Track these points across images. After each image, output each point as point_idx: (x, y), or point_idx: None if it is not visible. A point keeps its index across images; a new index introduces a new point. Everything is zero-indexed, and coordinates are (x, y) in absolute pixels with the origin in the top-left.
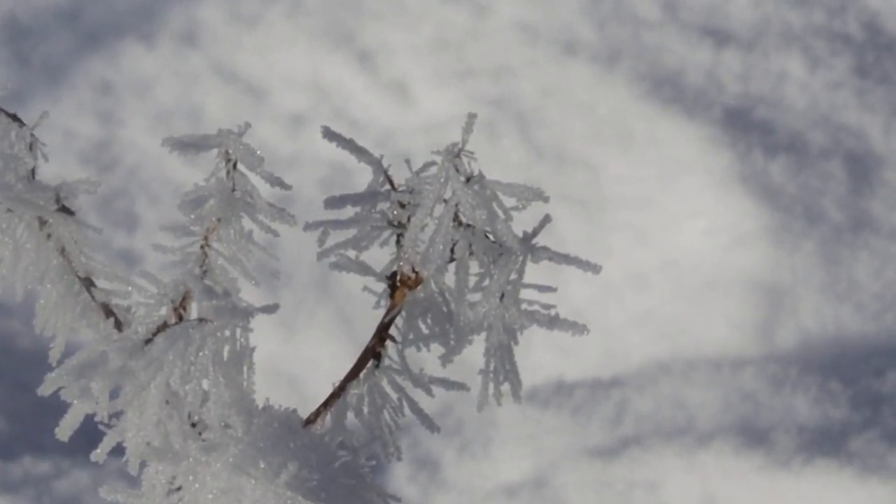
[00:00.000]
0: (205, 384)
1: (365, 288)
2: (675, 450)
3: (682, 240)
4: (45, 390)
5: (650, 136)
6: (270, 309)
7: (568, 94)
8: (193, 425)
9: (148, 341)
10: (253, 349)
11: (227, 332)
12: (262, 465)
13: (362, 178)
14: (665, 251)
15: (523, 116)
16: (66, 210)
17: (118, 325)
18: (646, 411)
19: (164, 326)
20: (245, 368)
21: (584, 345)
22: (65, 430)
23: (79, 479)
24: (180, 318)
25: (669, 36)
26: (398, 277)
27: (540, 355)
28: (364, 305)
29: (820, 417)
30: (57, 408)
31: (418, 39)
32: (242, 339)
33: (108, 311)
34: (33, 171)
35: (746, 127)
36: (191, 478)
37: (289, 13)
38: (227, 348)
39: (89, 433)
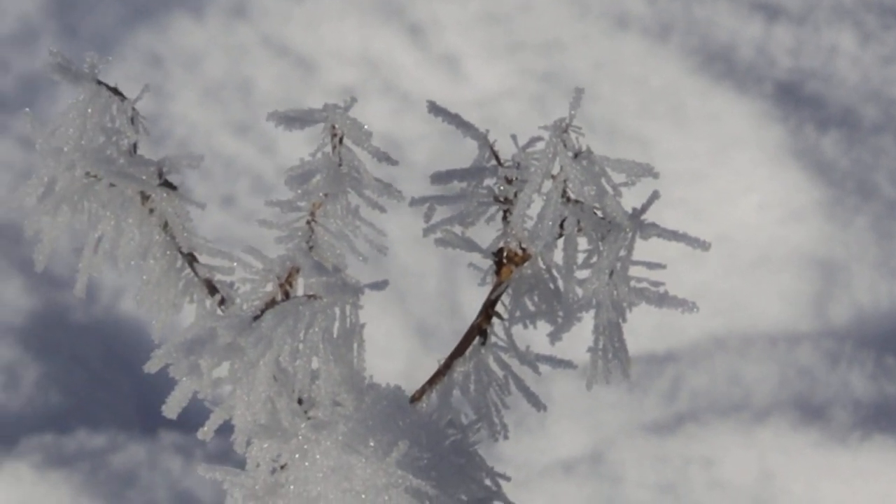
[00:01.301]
0: (314, 361)
1: (470, 264)
2: (732, 425)
3: (735, 215)
4: (151, 367)
5: (702, 110)
6: (380, 285)
7: (619, 68)
8: (300, 402)
9: (256, 318)
10: (363, 326)
11: (337, 309)
12: (371, 444)
13: (414, 151)
14: (719, 226)
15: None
16: (168, 185)
17: (221, 302)
18: (701, 387)
19: (272, 303)
20: (355, 345)
21: (640, 319)
22: (173, 407)
23: (134, 454)
24: (286, 295)
25: (721, 10)
26: (505, 254)
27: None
28: (417, 280)
29: (876, 393)
30: (110, 382)
31: (469, 13)
32: (352, 316)
33: (210, 288)
34: (135, 146)
35: (798, 101)
36: (298, 456)
37: None
38: (336, 325)
39: (144, 408)
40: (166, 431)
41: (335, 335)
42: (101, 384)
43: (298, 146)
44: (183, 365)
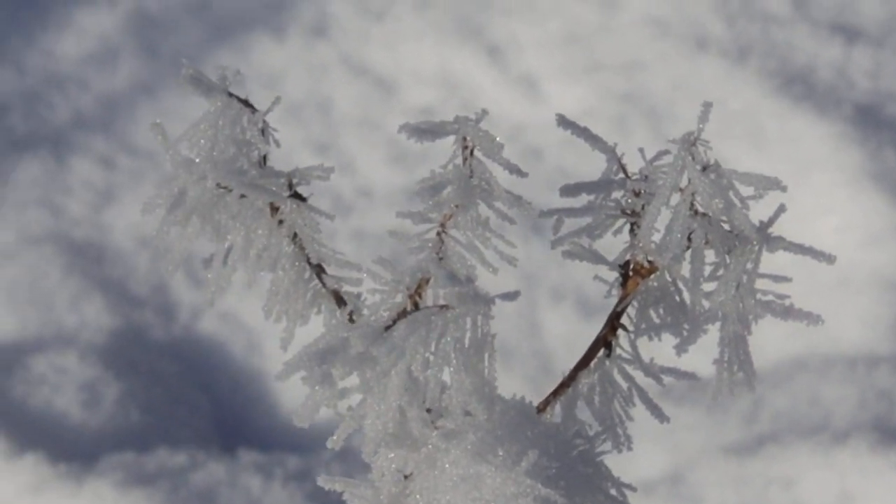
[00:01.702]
0: (446, 371)
1: (596, 276)
2: (811, 447)
3: (814, 237)
4: (282, 376)
5: (781, 132)
6: (511, 296)
7: (698, 89)
8: (429, 412)
9: (388, 328)
10: (494, 336)
11: (469, 319)
12: (500, 453)
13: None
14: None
15: (654, 111)
16: (298, 196)
17: (348, 313)
18: (781, 408)
19: (403, 313)
20: (486, 355)
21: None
22: (304, 416)
23: (214, 472)
24: (415, 306)
25: (799, 32)
26: (631, 266)
27: (673, 352)
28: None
29: None
30: (189, 401)
31: (547, 34)
32: (484, 326)
33: (338, 299)
34: (265, 158)
35: (877, 124)
36: (427, 465)
37: (417, 7)
38: (468, 335)
39: (223, 427)
40: (245, 450)
41: (467, 345)
42: (180, 403)
43: (376, 165)
44: (315, 374)
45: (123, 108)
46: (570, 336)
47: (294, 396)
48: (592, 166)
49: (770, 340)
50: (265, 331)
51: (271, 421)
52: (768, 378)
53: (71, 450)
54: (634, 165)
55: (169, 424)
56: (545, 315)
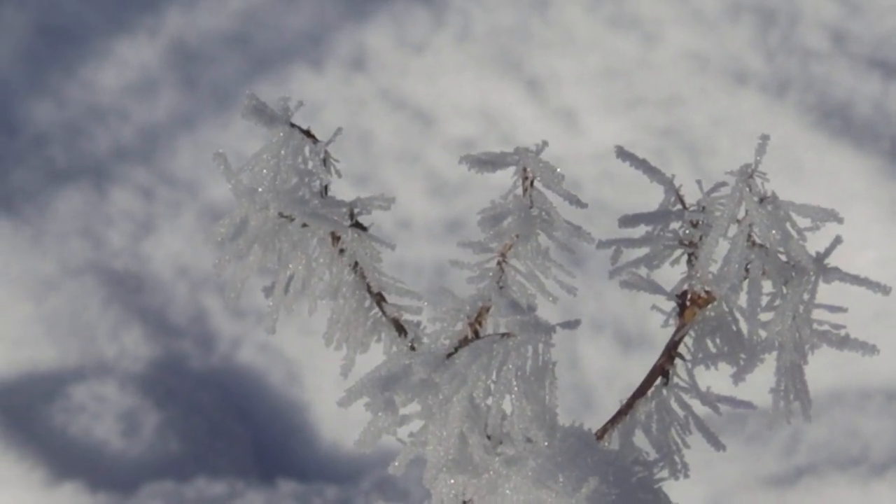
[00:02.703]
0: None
1: (653, 307)
2: (849, 479)
3: (852, 270)
4: (345, 403)
5: (819, 166)
6: (572, 324)
7: (737, 123)
8: (488, 438)
9: (450, 355)
10: (555, 364)
11: (530, 347)
12: (561, 479)
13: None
14: (836, 282)
15: (693, 146)
16: (359, 226)
17: (409, 342)
18: (819, 440)
19: (465, 341)
20: (547, 383)
21: (757, 372)
22: (366, 442)
23: (253, 501)
24: (475, 334)
25: (838, 67)
26: (689, 296)
27: (710, 382)
28: None
29: None
30: (228, 430)
31: (587, 68)
32: (545, 354)
33: (398, 327)
34: (326, 188)
35: None
36: (488, 491)
37: (456, 40)
38: (529, 363)
39: (262, 456)
40: (284, 480)
41: (528, 372)
42: (219, 432)
43: (415, 197)
44: (378, 400)
45: (163, 139)
46: (608, 368)
47: (332, 426)
48: (630, 199)
49: (807, 372)
50: (304, 361)
51: (310, 451)
52: (763, 414)
53: (111, 478)
54: (692, 197)
55: (208, 454)
56: (583, 347)
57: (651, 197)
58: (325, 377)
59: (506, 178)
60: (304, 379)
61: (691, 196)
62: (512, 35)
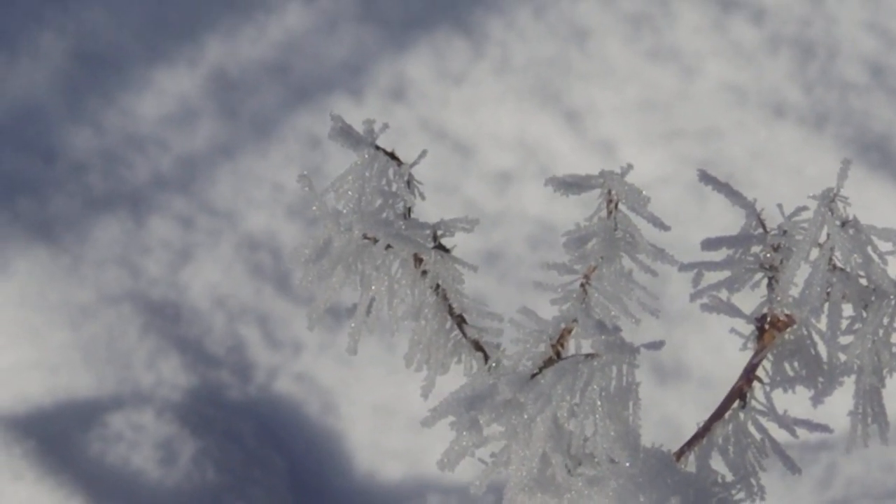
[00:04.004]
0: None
1: (732, 330)
2: None
3: None
4: (429, 423)
5: (857, 200)
6: (656, 345)
7: (775, 156)
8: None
9: (535, 375)
10: (638, 384)
11: (615, 368)
12: (641, 499)
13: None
14: None
15: (731, 178)
16: (442, 248)
17: (490, 363)
18: (854, 474)
19: (550, 361)
20: (631, 404)
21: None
22: (449, 462)
23: None
24: (558, 355)
25: (877, 100)
26: (768, 319)
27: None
28: None
29: None
30: (265, 461)
31: (625, 100)
32: (629, 375)
33: (478, 348)
34: (410, 209)
35: None
36: None
37: (495, 71)
38: (613, 383)
39: (298, 487)
40: (316, 501)
41: (612, 393)
42: (256, 462)
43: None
44: (463, 420)
45: (202, 168)
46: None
47: (367, 456)
48: (663, 231)
49: (841, 406)
50: (340, 391)
51: (345, 480)
52: (841, 444)
53: None
54: (772, 221)
55: (245, 484)
56: None
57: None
58: (361, 407)
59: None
60: (340, 408)
61: (772, 220)
62: (551, 66)
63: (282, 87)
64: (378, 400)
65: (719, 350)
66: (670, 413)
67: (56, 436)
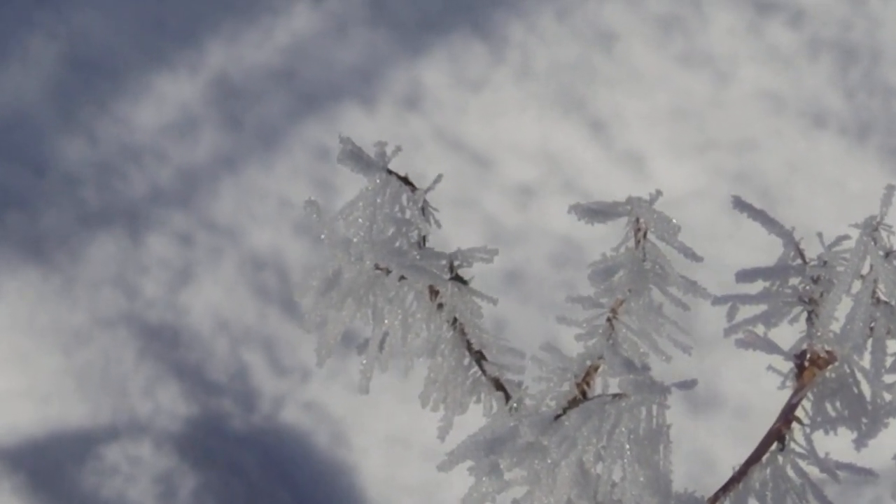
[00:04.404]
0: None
1: (770, 367)
2: None
3: None
4: (446, 467)
5: None
6: (688, 385)
7: (815, 168)
8: None
9: (559, 417)
10: (669, 426)
11: (644, 409)
12: None
13: (594, 253)
14: None
15: (768, 192)
16: (459, 279)
17: (511, 402)
18: None
19: (575, 401)
20: (661, 447)
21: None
22: None
23: None
24: (583, 395)
25: None
26: (808, 356)
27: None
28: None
29: None
30: (269, 494)
31: (655, 109)
32: (659, 417)
33: (498, 387)
34: (425, 238)
35: None
36: None
37: (516, 78)
38: (643, 425)
39: None
40: None
41: (641, 436)
42: (260, 496)
43: (472, 245)
44: (483, 464)
45: (203, 181)
46: (674, 430)
47: (380, 490)
48: (701, 248)
49: (887, 438)
50: (351, 421)
51: None
52: (886, 477)
53: None
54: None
55: None
56: None
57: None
58: (374, 438)
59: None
60: (351, 439)
61: (811, 249)
62: (574, 72)
63: (288, 94)
64: (392, 430)
65: (755, 378)
66: (702, 446)
67: (47, 469)
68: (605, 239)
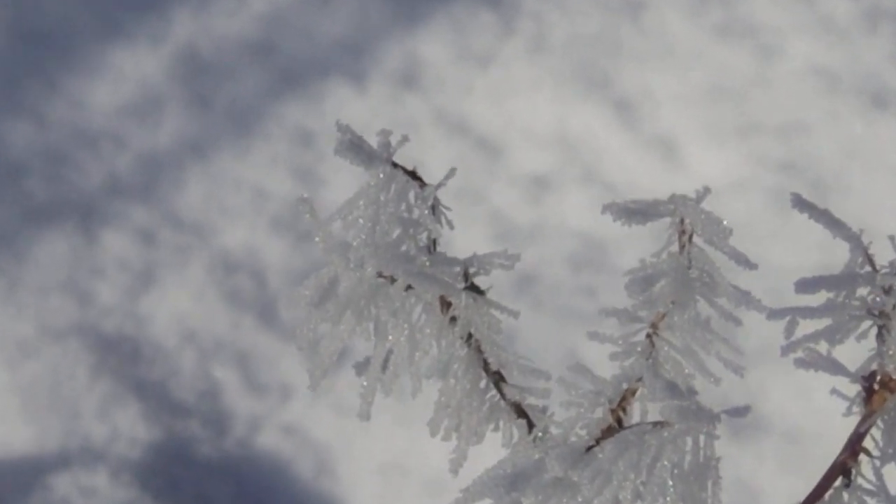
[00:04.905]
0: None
1: (833, 391)
2: None
3: None
4: None
5: None
6: (741, 412)
7: (875, 154)
8: None
9: (591, 448)
10: (719, 460)
11: (690, 439)
12: None
13: (618, 254)
14: None
15: (820, 183)
16: (475, 289)
17: (535, 431)
18: None
19: (609, 431)
20: (710, 484)
21: None
22: None
23: None
24: (618, 423)
25: None
26: (878, 378)
27: None
28: None
29: None
30: None
31: (689, 87)
32: (707, 448)
33: (520, 413)
34: (435, 242)
35: None
36: None
37: (529, 51)
38: (688, 458)
39: None
40: None
41: (686, 470)
42: None
43: (478, 243)
44: (504, 502)
45: (168, 170)
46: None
47: None
48: (743, 249)
49: None
50: (338, 447)
51: None
52: None
53: None
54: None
55: None
56: None
57: (770, 247)
58: (365, 466)
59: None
60: (339, 468)
61: (881, 254)
62: (597, 46)
63: (265, 70)
64: (387, 458)
65: (808, 396)
66: (746, 474)
67: None
68: (632, 237)
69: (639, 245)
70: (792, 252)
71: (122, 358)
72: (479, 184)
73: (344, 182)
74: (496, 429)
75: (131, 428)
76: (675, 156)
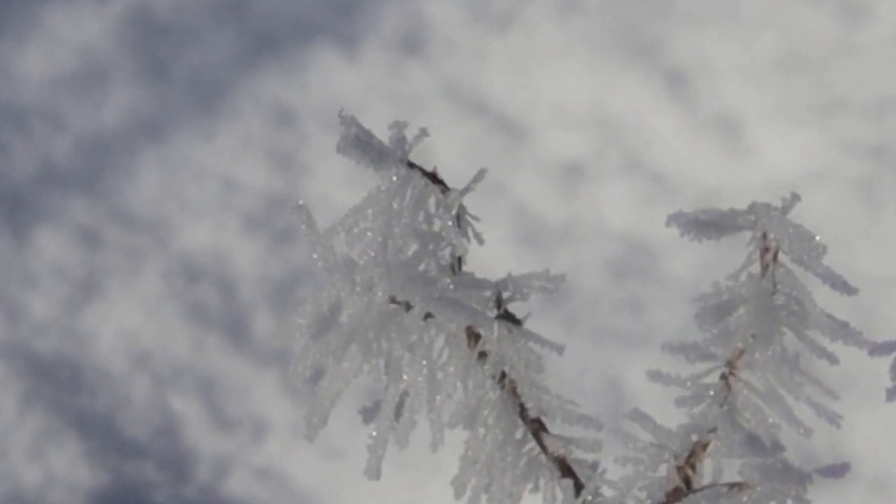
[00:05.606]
0: None
1: None
2: None
3: None
4: None
5: None
6: (839, 471)
7: None
8: None
9: None
10: None
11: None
12: None
13: (670, 260)
14: None
15: None
16: (509, 318)
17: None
18: None
19: (677, 493)
20: None
21: None
22: None
23: None
24: (686, 483)
25: None
26: None
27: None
28: None
29: None
30: None
31: (756, 57)
32: None
33: (565, 470)
34: (460, 260)
35: None
36: None
37: (559, 11)
38: None
39: None
40: None
41: None
42: None
43: (497, 245)
44: None
45: (115, 156)
46: None
47: None
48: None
49: None
50: (322, 495)
51: None
52: None
53: None
54: None
55: None
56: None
57: (856, 249)
58: None
59: (636, 226)
60: None
61: None
62: (642, 6)
63: (235, 33)
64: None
65: None
66: None
67: None
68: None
69: (694, 249)
70: (884, 258)
71: (59, 385)
72: (498, 174)
73: (332, 171)
74: (535, 489)
75: (70, 471)
76: (739, 140)
